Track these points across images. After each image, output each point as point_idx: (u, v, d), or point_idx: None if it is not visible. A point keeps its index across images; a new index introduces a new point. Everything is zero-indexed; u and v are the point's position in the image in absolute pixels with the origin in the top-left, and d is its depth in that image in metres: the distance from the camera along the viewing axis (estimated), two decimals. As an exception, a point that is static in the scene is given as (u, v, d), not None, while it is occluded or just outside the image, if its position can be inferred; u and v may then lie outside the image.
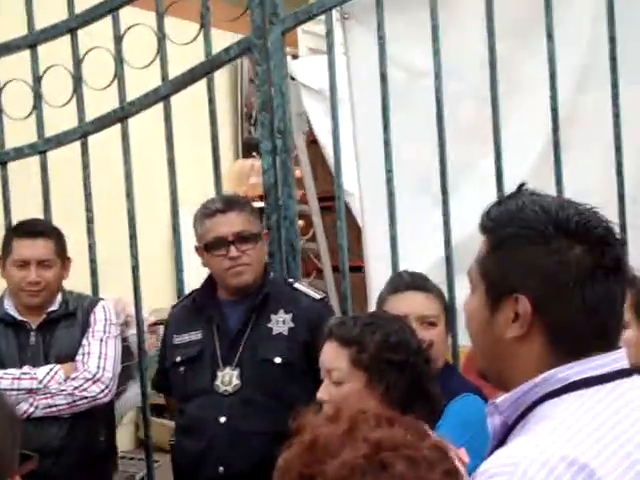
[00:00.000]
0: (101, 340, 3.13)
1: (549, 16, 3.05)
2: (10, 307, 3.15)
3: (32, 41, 3.50)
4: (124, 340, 3.92)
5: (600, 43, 3.10)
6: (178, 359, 3.03)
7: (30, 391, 2.99)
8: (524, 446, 1.24)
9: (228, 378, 2.93)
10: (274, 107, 3.32)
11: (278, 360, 2.93)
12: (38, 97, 3.51)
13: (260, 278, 3.02)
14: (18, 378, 3.00)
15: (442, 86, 3.15)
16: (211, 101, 3.40)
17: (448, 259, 3.15)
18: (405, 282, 2.72)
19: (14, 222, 3.39)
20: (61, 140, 3.54)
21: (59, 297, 3.18)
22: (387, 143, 3.21)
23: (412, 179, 3.45)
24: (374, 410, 1.03)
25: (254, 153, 8.15)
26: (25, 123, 3.51)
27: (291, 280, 3.17)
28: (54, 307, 3.16)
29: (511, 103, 3.27)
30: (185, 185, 3.54)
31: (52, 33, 3.50)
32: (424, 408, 2.01)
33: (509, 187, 3.03)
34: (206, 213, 3.01)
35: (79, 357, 3.10)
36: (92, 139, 3.53)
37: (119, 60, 3.43)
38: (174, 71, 3.41)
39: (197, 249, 3.05)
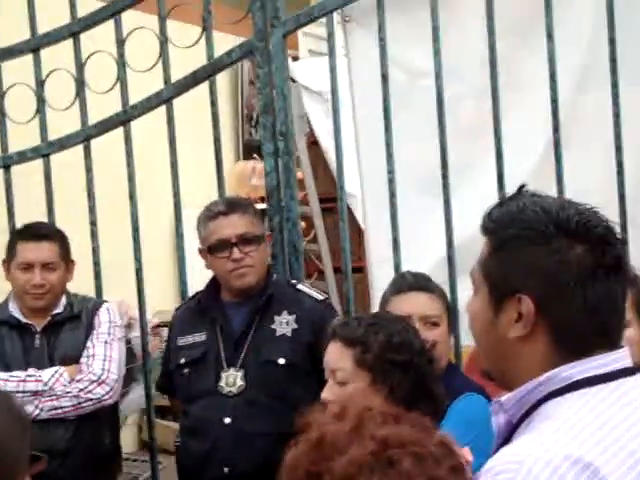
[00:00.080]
0: (105, 342, 3.15)
1: (549, 16, 3.06)
2: (15, 310, 3.17)
3: (35, 45, 3.52)
4: (127, 342, 3.93)
5: (600, 43, 3.11)
6: (182, 361, 3.04)
7: (35, 393, 3.01)
8: (529, 444, 1.25)
9: (232, 379, 2.94)
10: (276, 110, 3.34)
11: (282, 361, 2.95)
12: (41, 101, 3.52)
13: (263, 280, 3.04)
14: (23, 380, 3.01)
15: (443, 86, 3.17)
16: (213, 104, 3.42)
17: (450, 259, 3.17)
18: (408, 283, 2.74)
19: (18, 225, 3.41)
20: (64, 144, 3.55)
21: (63, 300, 3.20)
22: (389, 144, 3.22)
23: (414, 179, 3.46)
24: (380, 407, 1.04)
25: (255, 155, 8.17)
26: (28, 127, 3.53)
27: (294, 281, 3.19)
28: (59, 310, 3.18)
29: (511, 102, 3.28)
30: (187, 187, 3.55)
31: (54, 37, 3.52)
32: (428, 407, 2.02)
33: (510, 187, 3.05)
34: (209, 215, 3.02)
35: (84, 359, 3.11)
36: (94, 142, 3.54)
37: (121, 64, 3.45)
38: (175, 74, 3.43)
39: (201, 251, 3.06)
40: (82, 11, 3.50)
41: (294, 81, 5.02)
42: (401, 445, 0.97)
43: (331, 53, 3.26)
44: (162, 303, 6.04)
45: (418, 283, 2.72)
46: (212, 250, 3.00)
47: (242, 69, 7.65)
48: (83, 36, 3.51)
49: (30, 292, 3.11)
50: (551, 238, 1.33)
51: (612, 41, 3.03)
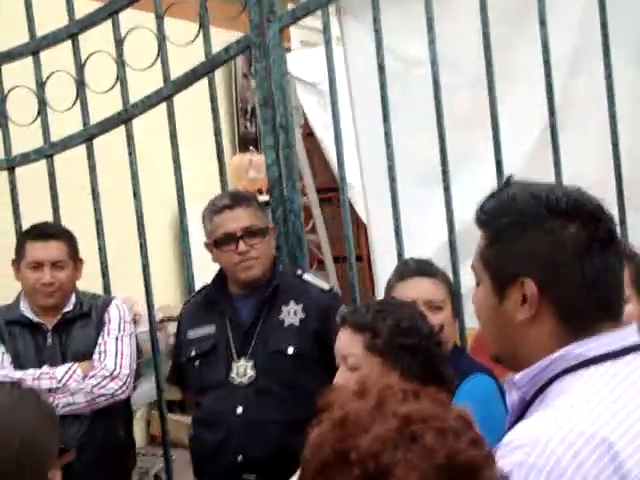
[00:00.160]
0: (117, 338, 3.20)
1: (541, 1, 3.10)
2: (26, 309, 3.22)
3: (34, 48, 3.56)
4: (134, 338, 3.97)
5: (591, 26, 3.13)
6: (193, 353, 3.09)
7: (50, 390, 3.05)
8: (544, 421, 1.30)
9: (243, 370, 2.99)
10: (275, 103, 3.38)
11: (290, 351, 2.99)
12: (42, 103, 3.56)
13: (269, 271, 3.08)
14: (37, 378, 3.06)
15: (439, 75, 3.21)
16: (213, 99, 3.46)
17: (452, 245, 3.21)
18: (411, 269, 2.78)
19: (24, 226, 3.45)
20: (66, 144, 3.59)
21: (73, 298, 3.25)
22: (387, 134, 3.26)
23: (413, 168, 3.50)
24: (399, 384, 1.09)
25: (251, 147, 8.20)
26: (31, 129, 3.57)
27: (299, 272, 3.23)
28: (69, 308, 3.23)
29: (506, 90, 3.32)
30: (186, 182, 3.57)
31: (53, 39, 3.56)
32: (438, 389, 2.07)
33: (508, 172, 3.09)
34: (214, 210, 3.06)
35: (96, 356, 3.16)
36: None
37: (120, 63, 3.48)
38: (171, 70, 3.46)
39: (207, 245, 3.11)
40: (79, 12, 3.53)
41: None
42: (423, 420, 1.02)
43: (327, 46, 3.29)
44: (165, 298, 6.09)
45: (421, 269, 2.76)
46: (218, 244, 3.04)
47: (235, 62, 7.68)
48: (81, 37, 3.55)
49: (40, 290, 3.16)
50: (544, 221, 1.38)
51: (604, 25, 3.07)
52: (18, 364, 3.14)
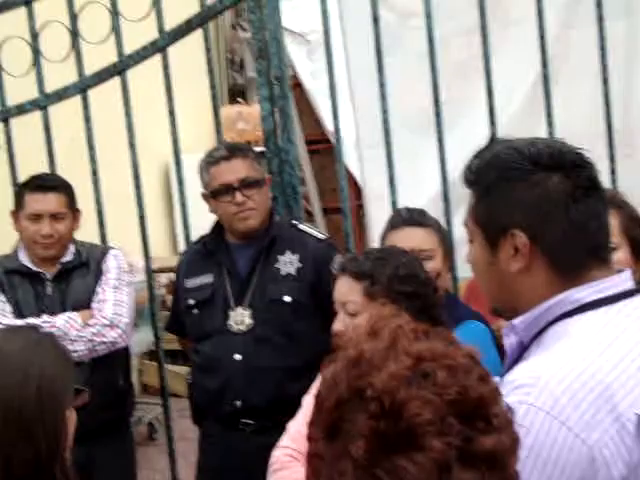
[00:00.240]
0: (115, 287, 3.24)
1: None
2: (25, 259, 3.25)
3: (27, -2, 3.55)
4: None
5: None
6: (191, 302, 3.14)
7: (51, 339, 3.09)
8: (545, 362, 1.36)
9: (240, 318, 3.04)
10: (270, 54, 3.39)
11: (287, 299, 3.04)
12: (36, 53, 3.56)
13: (266, 222, 3.12)
14: (39, 327, 3.10)
15: (433, 25, 3.22)
16: (208, 50, 3.46)
17: (445, 195, 3.26)
18: (402, 218, 2.82)
19: (20, 178, 3.47)
20: (61, 95, 3.59)
21: (72, 248, 3.28)
22: (382, 84, 3.29)
23: (408, 118, 3.53)
24: (410, 325, 1.14)
25: (240, 99, 8.18)
26: (26, 80, 3.56)
27: (295, 222, 3.28)
28: (68, 258, 3.26)
29: (500, 39, 3.35)
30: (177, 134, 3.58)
31: (47, -11, 3.54)
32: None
33: (501, 122, 3.13)
34: (211, 161, 3.09)
35: (95, 305, 3.20)
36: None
37: (115, 13, 3.47)
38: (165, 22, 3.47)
39: (204, 196, 3.14)
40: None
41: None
42: (434, 359, 1.06)
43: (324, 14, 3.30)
44: (154, 250, 6.12)
45: (412, 218, 2.79)
46: (215, 195, 3.07)
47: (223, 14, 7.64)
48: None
49: (39, 242, 3.19)
50: (529, 174, 1.44)
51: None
52: (18, 313, 3.17)
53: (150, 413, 6.01)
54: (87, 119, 3.56)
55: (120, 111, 3.54)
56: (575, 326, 1.40)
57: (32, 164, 3.52)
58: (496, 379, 1.20)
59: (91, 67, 3.56)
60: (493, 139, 1.55)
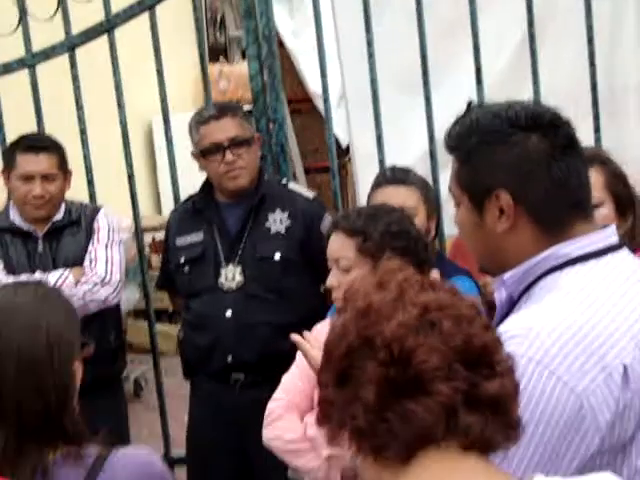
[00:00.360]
0: (106, 246, 3.26)
1: None
2: (16, 217, 3.26)
3: (13, -45, 3.53)
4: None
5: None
6: (182, 260, 3.17)
7: (43, 296, 3.11)
8: (536, 313, 1.42)
9: (231, 275, 3.08)
10: (257, 13, 3.40)
11: (277, 257, 3.08)
12: (23, 12, 3.55)
13: (255, 180, 3.14)
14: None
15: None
16: (195, 8, 3.47)
17: (432, 153, 3.30)
18: (386, 177, 2.87)
19: (8, 137, 3.47)
20: (49, 54, 3.59)
21: (62, 207, 3.30)
22: (370, 44, 3.31)
23: (395, 76, 3.56)
24: (416, 277, 1.19)
25: (221, 57, 8.15)
26: (13, 40, 3.55)
27: (284, 181, 3.31)
28: (59, 216, 3.28)
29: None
30: (158, 95, 3.58)
31: (32, -53, 3.52)
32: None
33: (488, 81, 3.16)
34: (200, 120, 3.10)
35: (87, 262, 3.22)
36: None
37: (101, -28, 3.47)
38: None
39: (193, 155, 3.16)
40: None
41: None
42: (439, 309, 1.12)
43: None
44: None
45: (394, 177, 2.84)
46: (205, 154, 3.09)
47: (205, -29, 7.59)
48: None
49: (31, 202, 3.20)
50: (508, 136, 1.49)
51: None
52: (10, 271, 3.19)
53: (135, 371, 6.07)
54: (75, 78, 3.56)
55: (104, 70, 3.53)
56: (565, 279, 1.46)
57: (18, 123, 3.52)
58: None
59: (78, 26, 3.56)
60: (470, 105, 1.58)
